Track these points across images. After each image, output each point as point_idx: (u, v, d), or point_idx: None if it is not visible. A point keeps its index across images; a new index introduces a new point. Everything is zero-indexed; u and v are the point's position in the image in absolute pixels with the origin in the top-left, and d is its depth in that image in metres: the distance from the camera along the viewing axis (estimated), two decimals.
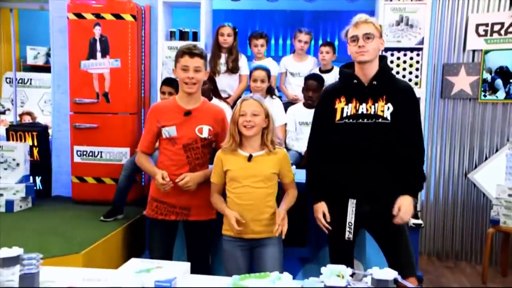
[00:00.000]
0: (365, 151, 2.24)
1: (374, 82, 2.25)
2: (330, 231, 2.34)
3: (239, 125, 2.34)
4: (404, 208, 2.22)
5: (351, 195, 2.28)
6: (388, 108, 2.23)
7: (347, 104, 2.26)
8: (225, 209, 2.36)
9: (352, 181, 2.27)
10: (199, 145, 2.55)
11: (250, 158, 2.35)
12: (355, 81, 2.27)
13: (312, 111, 3.67)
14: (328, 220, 2.31)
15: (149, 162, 2.62)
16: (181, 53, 2.52)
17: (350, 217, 2.28)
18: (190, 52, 2.49)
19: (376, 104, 2.23)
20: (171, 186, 2.46)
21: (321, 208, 2.34)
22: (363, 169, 2.24)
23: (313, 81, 3.74)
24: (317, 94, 3.72)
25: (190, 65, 2.48)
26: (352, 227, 2.28)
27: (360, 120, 2.24)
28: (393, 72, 4.11)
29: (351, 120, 2.25)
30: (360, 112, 2.24)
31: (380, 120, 2.22)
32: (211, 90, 3.68)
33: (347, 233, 2.29)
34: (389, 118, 2.22)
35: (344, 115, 2.25)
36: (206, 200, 2.56)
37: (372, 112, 2.23)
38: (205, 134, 2.56)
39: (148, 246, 2.72)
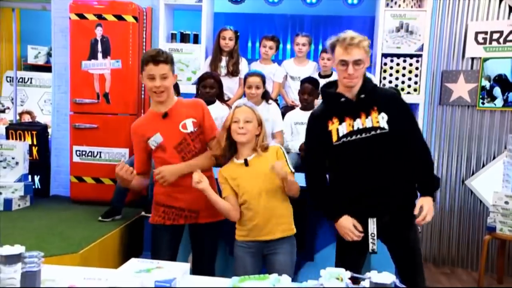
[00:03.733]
0: (371, 166, 2.18)
1: (362, 96, 2.20)
2: (344, 242, 2.26)
3: (232, 132, 2.34)
4: (426, 207, 2.16)
5: (369, 214, 2.22)
6: (383, 118, 2.18)
7: (340, 123, 2.20)
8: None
9: (366, 199, 2.20)
10: (190, 142, 2.51)
11: (246, 162, 2.36)
12: (342, 99, 2.21)
13: (308, 113, 3.72)
14: (360, 229, 2.20)
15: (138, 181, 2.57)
16: (145, 61, 2.41)
17: (372, 228, 2.21)
18: (154, 59, 2.38)
19: (370, 117, 2.19)
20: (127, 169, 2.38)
21: (348, 221, 2.20)
22: (374, 185, 2.19)
23: (308, 84, 3.77)
24: (312, 97, 3.75)
25: (156, 73, 2.39)
26: (375, 237, 2.22)
27: (358, 136, 2.18)
28: (392, 78, 4.15)
29: (349, 138, 2.18)
30: (356, 128, 2.18)
31: (378, 131, 2.17)
32: (217, 94, 3.71)
33: (370, 245, 2.21)
34: (386, 127, 2.18)
35: (341, 135, 2.19)
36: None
37: (368, 125, 2.18)
38: (190, 128, 2.51)
39: (152, 252, 2.63)
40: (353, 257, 2.30)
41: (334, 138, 2.20)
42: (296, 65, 4.35)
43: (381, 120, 2.18)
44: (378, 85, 2.42)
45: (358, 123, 2.19)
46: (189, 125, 2.51)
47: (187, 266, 1.70)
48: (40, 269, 1.38)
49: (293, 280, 1.61)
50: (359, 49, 2.15)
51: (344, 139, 2.19)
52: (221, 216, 2.55)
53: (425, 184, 2.27)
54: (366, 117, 2.19)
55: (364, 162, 2.19)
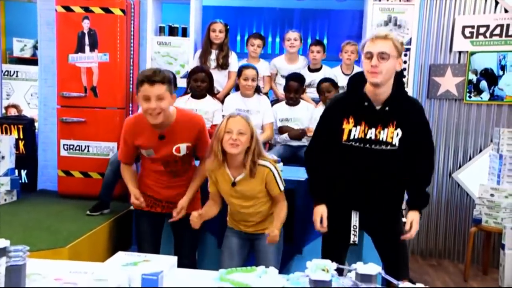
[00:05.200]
0: (368, 173, 2.20)
1: (386, 108, 2.15)
2: (328, 234, 2.31)
3: (223, 143, 2.27)
4: (415, 226, 2.21)
5: (354, 207, 2.26)
6: (398, 134, 2.16)
7: (355, 126, 2.16)
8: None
9: (355, 196, 2.24)
10: (179, 160, 2.54)
11: (234, 184, 2.36)
12: (365, 103, 2.16)
13: (293, 108, 3.75)
14: (325, 226, 2.25)
15: (131, 176, 2.62)
16: (140, 81, 2.31)
17: (355, 220, 2.25)
18: (149, 80, 2.27)
19: (386, 130, 2.15)
20: (144, 205, 2.54)
21: (319, 211, 2.26)
22: (366, 187, 2.21)
23: (293, 82, 3.79)
24: (297, 95, 3.78)
25: (151, 94, 2.27)
26: (357, 230, 2.26)
27: (368, 146, 2.16)
28: None
29: (357, 144, 2.17)
30: (368, 137, 2.16)
31: (388, 147, 2.16)
32: (207, 88, 3.72)
33: (352, 237, 2.26)
34: (397, 144, 2.16)
35: (351, 137, 2.17)
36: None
37: (381, 138, 2.15)
38: (183, 152, 2.51)
39: (135, 239, 2.73)
40: (337, 249, 2.33)
41: (344, 137, 2.18)
42: (287, 63, 4.30)
43: (395, 136, 2.16)
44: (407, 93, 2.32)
45: (372, 133, 2.16)
46: (183, 149, 2.51)
47: (174, 259, 1.71)
48: (25, 263, 1.37)
49: (281, 273, 1.62)
50: (386, 41, 2.06)
51: (353, 143, 2.18)
52: (199, 208, 2.59)
53: (418, 199, 2.28)
54: (382, 129, 2.16)
55: (363, 168, 2.20)
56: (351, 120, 2.17)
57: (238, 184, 2.36)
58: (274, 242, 2.28)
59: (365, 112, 2.16)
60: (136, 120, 2.55)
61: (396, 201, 2.33)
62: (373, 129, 2.15)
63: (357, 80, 2.22)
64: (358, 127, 2.16)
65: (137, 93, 2.35)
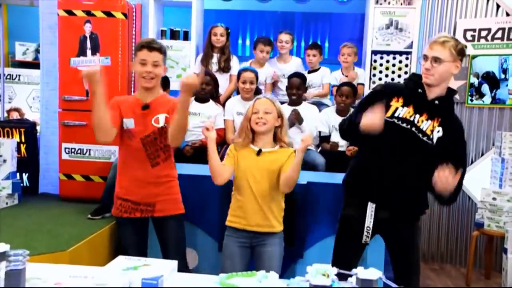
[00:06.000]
0: (400, 160, 2.19)
1: (436, 102, 2.21)
2: (341, 234, 2.32)
3: (251, 122, 2.44)
4: (451, 176, 2.00)
5: (371, 198, 2.26)
6: (438, 131, 2.19)
7: (403, 106, 2.22)
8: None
9: (376, 185, 2.24)
10: (157, 135, 2.51)
11: (259, 152, 2.43)
12: (420, 90, 2.22)
13: (295, 108, 3.74)
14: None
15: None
16: (139, 47, 2.48)
17: (369, 222, 2.27)
18: (149, 46, 2.45)
19: (429, 122, 2.19)
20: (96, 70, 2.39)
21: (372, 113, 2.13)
22: (391, 177, 2.21)
23: (296, 79, 3.80)
24: (300, 91, 3.78)
25: (148, 59, 2.44)
26: (370, 231, 2.27)
27: (409, 126, 2.19)
28: (382, 75, 4.16)
29: (399, 123, 2.20)
30: (411, 119, 2.19)
31: (425, 138, 2.18)
32: (211, 92, 3.72)
33: (364, 237, 2.28)
34: (434, 141, 2.18)
35: (396, 114, 2.21)
36: (171, 194, 2.58)
37: (423, 127, 2.19)
38: (161, 123, 2.52)
39: (122, 247, 2.66)
40: (352, 249, 2.33)
41: (389, 113, 2.21)
42: (279, 63, 4.34)
43: (435, 132, 2.20)
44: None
45: (417, 118, 2.21)
46: (162, 120, 2.52)
47: (174, 263, 1.70)
48: (24, 268, 1.37)
49: (282, 277, 1.62)
50: (443, 48, 2.15)
51: (395, 120, 2.21)
52: (180, 209, 2.60)
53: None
54: (427, 120, 2.20)
55: (397, 151, 2.20)
56: (400, 100, 2.23)
57: (264, 154, 2.43)
58: (306, 143, 2.27)
59: (416, 97, 2.22)
60: (124, 96, 2.80)
61: (416, 204, 2.31)
62: (418, 116, 2.20)
63: (416, 75, 2.33)
64: (405, 108, 2.22)
65: (134, 59, 2.49)
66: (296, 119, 3.68)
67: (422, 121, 2.20)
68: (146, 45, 2.45)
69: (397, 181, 2.22)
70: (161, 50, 2.49)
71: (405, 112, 2.21)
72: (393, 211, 2.27)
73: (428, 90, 2.22)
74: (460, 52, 2.20)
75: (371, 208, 2.26)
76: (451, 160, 2.09)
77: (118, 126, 2.53)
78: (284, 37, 4.26)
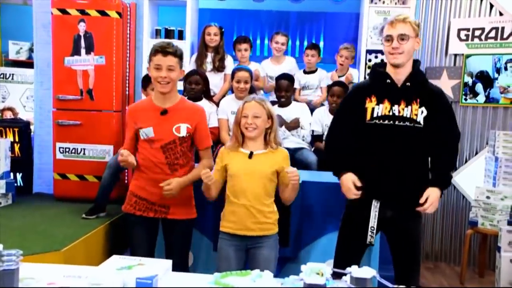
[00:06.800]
0: (395, 153, 2.19)
1: (408, 84, 2.19)
2: (344, 234, 2.33)
3: (241, 126, 2.41)
4: (431, 199, 2.17)
5: (376, 195, 2.24)
6: (422, 112, 2.18)
7: (377, 104, 2.19)
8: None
9: (379, 181, 2.22)
10: (178, 144, 2.52)
11: (251, 155, 2.41)
12: (388, 80, 2.20)
13: (285, 109, 3.74)
14: (359, 185, 2.21)
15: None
16: (154, 51, 2.44)
17: (373, 222, 2.25)
18: (163, 50, 2.41)
19: (410, 107, 2.17)
20: (131, 163, 2.43)
21: (349, 178, 2.22)
22: (392, 171, 2.20)
23: (284, 81, 3.79)
24: (289, 93, 3.78)
25: (163, 63, 2.41)
26: (374, 231, 2.26)
27: (392, 122, 2.18)
28: None
29: (381, 121, 2.19)
30: (391, 113, 2.18)
31: (413, 124, 2.17)
32: (203, 90, 3.72)
33: (368, 237, 2.26)
34: (422, 122, 2.18)
35: (375, 115, 2.19)
36: (186, 199, 2.58)
37: (405, 115, 2.17)
38: (183, 133, 2.51)
39: (130, 245, 2.69)
40: (353, 250, 2.32)
41: (368, 116, 2.21)
42: (273, 64, 4.34)
43: (419, 114, 2.18)
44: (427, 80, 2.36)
45: (396, 110, 2.18)
46: (183, 130, 2.51)
47: (169, 263, 1.70)
48: (18, 268, 1.37)
49: (276, 277, 1.62)
50: (405, 24, 2.15)
51: (377, 121, 2.20)
52: (193, 214, 2.61)
53: (439, 177, 2.25)
54: (406, 106, 2.18)
55: (389, 147, 2.20)
56: (373, 99, 2.21)
57: (255, 156, 2.41)
58: (295, 180, 2.32)
59: (387, 89, 2.21)
60: (137, 103, 2.73)
61: (418, 193, 2.27)
62: (396, 106, 2.18)
63: (378, 65, 2.33)
64: (381, 105, 2.19)
65: (149, 63, 2.47)
66: (296, 125, 3.72)
67: (403, 109, 2.18)
68: (161, 49, 2.41)
69: (397, 174, 2.20)
70: (176, 54, 2.44)
71: (382, 109, 2.19)
72: (399, 206, 2.25)
73: (395, 75, 2.20)
74: (418, 28, 2.21)
75: (375, 207, 2.24)
76: (443, 135, 2.21)
77: (133, 148, 2.58)
78: (280, 38, 4.24)
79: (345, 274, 1.51)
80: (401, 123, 2.18)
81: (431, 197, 2.19)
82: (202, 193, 2.55)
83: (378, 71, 2.28)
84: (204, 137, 2.60)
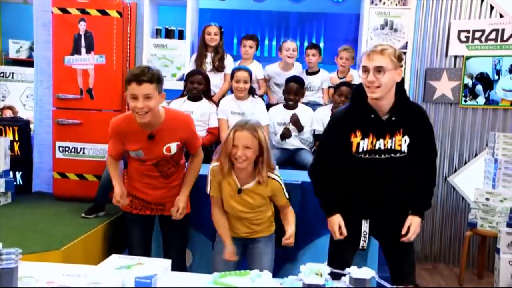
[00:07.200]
0: (379, 182, 2.20)
1: (393, 118, 2.16)
2: (337, 238, 2.30)
3: (231, 156, 2.29)
4: (413, 228, 2.22)
5: (364, 216, 2.27)
6: (405, 141, 2.17)
7: (363, 139, 2.16)
8: (226, 238, 2.40)
9: (366, 206, 2.24)
10: (169, 159, 2.52)
11: (239, 191, 2.36)
12: (372, 116, 2.16)
13: (292, 112, 3.73)
14: (345, 234, 2.23)
15: (117, 170, 2.59)
16: (128, 80, 2.29)
17: (365, 226, 2.26)
18: (137, 79, 2.25)
19: (394, 138, 2.16)
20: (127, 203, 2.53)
21: (336, 221, 2.24)
22: (378, 196, 2.21)
23: (293, 83, 3.77)
24: (298, 96, 3.77)
25: (139, 93, 2.25)
26: (367, 236, 2.27)
27: (377, 156, 2.17)
28: None
29: (367, 156, 2.17)
30: (377, 147, 2.16)
31: (397, 154, 2.17)
32: (204, 90, 3.72)
33: (361, 243, 2.27)
34: (406, 151, 2.17)
35: (360, 150, 2.17)
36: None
37: (389, 147, 2.16)
38: (173, 151, 2.49)
39: (127, 243, 2.73)
40: (346, 254, 2.32)
41: (354, 149, 2.18)
42: (282, 70, 4.26)
43: (403, 143, 2.17)
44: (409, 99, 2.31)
45: (381, 143, 2.16)
46: (173, 148, 2.49)
47: (168, 262, 1.70)
48: (17, 266, 1.37)
49: (275, 277, 1.62)
50: (382, 56, 2.05)
51: (362, 156, 2.18)
52: (187, 208, 2.62)
53: (419, 204, 2.29)
54: (390, 138, 2.17)
55: (375, 177, 2.20)
56: (358, 134, 2.17)
57: (244, 192, 2.36)
58: (290, 244, 2.34)
59: (371, 124, 2.16)
60: (123, 121, 2.51)
61: (406, 206, 2.31)
62: (381, 140, 2.16)
63: (360, 93, 2.19)
64: (366, 140, 2.16)
65: (126, 91, 2.33)
66: (295, 125, 3.69)
67: (387, 142, 2.16)
68: (134, 78, 2.26)
69: (383, 200, 2.23)
70: (152, 80, 2.27)
71: (367, 144, 2.16)
72: (387, 225, 2.28)
73: (378, 107, 2.14)
74: (400, 59, 2.11)
75: (365, 221, 2.28)
76: (422, 155, 2.21)
77: (122, 155, 2.59)
78: (291, 45, 4.17)
79: (344, 275, 1.51)
80: (386, 155, 2.18)
81: (413, 225, 2.23)
82: (199, 191, 2.56)
83: (361, 105, 2.18)
84: (194, 142, 2.58)
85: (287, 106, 3.81)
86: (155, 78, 2.30)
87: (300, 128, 3.69)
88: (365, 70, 2.08)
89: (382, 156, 2.17)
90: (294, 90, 3.75)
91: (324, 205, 2.31)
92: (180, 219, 2.60)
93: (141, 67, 2.35)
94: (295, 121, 3.67)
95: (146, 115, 2.31)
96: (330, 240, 2.38)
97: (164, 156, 2.48)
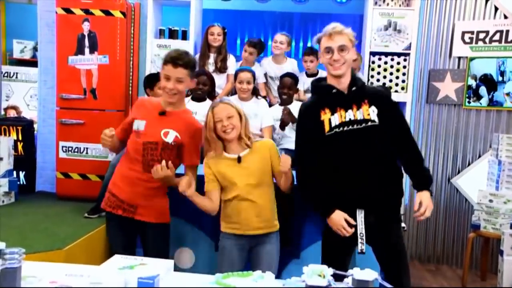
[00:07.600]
0: (361, 157, 2.20)
1: (354, 88, 2.25)
2: (330, 241, 2.30)
3: (218, 132, 2.36)
4: (425, 203, 2.21)
5: (358, 205, 2.23)
6: (374, 111, 2.22)
7: (332, 114, 2.23)
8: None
9: (355, 190, 2.21)
10: (159, 148, 2.45)
11: (239, 159, 2.38)
12: (334, 90, 2.25)
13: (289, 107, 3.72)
14: (353, 223, 2.20)
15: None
16: (165, 61, 2.41)
17: (361, 228, 2.22)
18: (174, 61, 2.37)
19: (361, 109, 2.22)
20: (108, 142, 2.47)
21: (340, 217, 2.20)
22: (363, 176, 2.20)
23: (288, 78, 3.79)
24: (292, 91, 3.77)
25: (172, 75, 2.37)
26: (364, 238, 2.22)
27: (350, 127, 2.20)
28: (380, 76, 4.16)
29: (341, 129, 2.21)
30: (347, 119, 2.21)
31: (369, 123, 2.21)
32: (208, 91, 3.72)
33: (359, 245, 2.22)
34: (376, 120, 2.21)
35: (333, 125, 2.22)
36: (156, 203, 2.52)
37: (359, 117, 2.21)
38: (169, 139, 2.46)
39: (109, 245, 2.66)
40: (339, 257, 2.30)
41: (327, 128, 2.22)
42: (274, 63, 4.30)
43: (371, 113, 2.22)
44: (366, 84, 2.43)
45: (350, 114, 2.22)
46: (171, 136, 2.46)
47: (170, 263, 1.70)
48: (20, 266, 1.37)
49: (278, 277, 1.62)
50: (342, 36, 2.22)
51: (337, 130, 2.21)
52: (164, 219, 2.55)
53: (419, 178, 2.29)
54: (358, 109, 2.23)
55: (355, 153, 2.21)
56: (327, 111, 2.24)
57: (243, 159, 2.39)
58: (286, 167, 2.31)
59: (336, 99, 2.25)
60: (149, 98, 2.81)
61: (395, 190, 2.30)
62: (350, 111, 2.23)
63: (318, 80, 2.40)
64: (336, 114, 2.23)
65: (163, 68, 2.44)
66: (289, 119, 3.67)
67: (356, 113, 2.23)
68: (171, 60, 2.38)
69: (370, 178, 2.20)
70: (187, 66, 2.39)
71: (337, 117, 2.22)
72: (381, 211, 2.24)
73: (339, 84, 2.26)
74: (354, 40, 2.28)
75: (360, 214, 2.22)
76: (398, 130, 2.28)
77: (123, 133, 2.58)
78: (279, 37, 4.23)
79: (347, 276, 1.51)
80: (359, 126, 2.22)
81: (424, 200, 2.22)
82: (200, 191, 2.54)
83: (321, 85, 2.33)
84: (192, 153, 2.52)
85: (282, 103, 3.81)
86: (190, 64, 2.42)
87: (294, 120, 3.67)
88: (329, 50, 2.22)
89: (355, 126, 2.21)
90: (288, 85, 3.76)
91: (319, 206, 2.29)
92: (155, 229, 2.53)
93: (179, 51, 2.46)
94: (288, 113, 3.66)
95: (174, 96, 2.43)
96: (322, 247, 2.35)
97: (158, 139, 2.45)
